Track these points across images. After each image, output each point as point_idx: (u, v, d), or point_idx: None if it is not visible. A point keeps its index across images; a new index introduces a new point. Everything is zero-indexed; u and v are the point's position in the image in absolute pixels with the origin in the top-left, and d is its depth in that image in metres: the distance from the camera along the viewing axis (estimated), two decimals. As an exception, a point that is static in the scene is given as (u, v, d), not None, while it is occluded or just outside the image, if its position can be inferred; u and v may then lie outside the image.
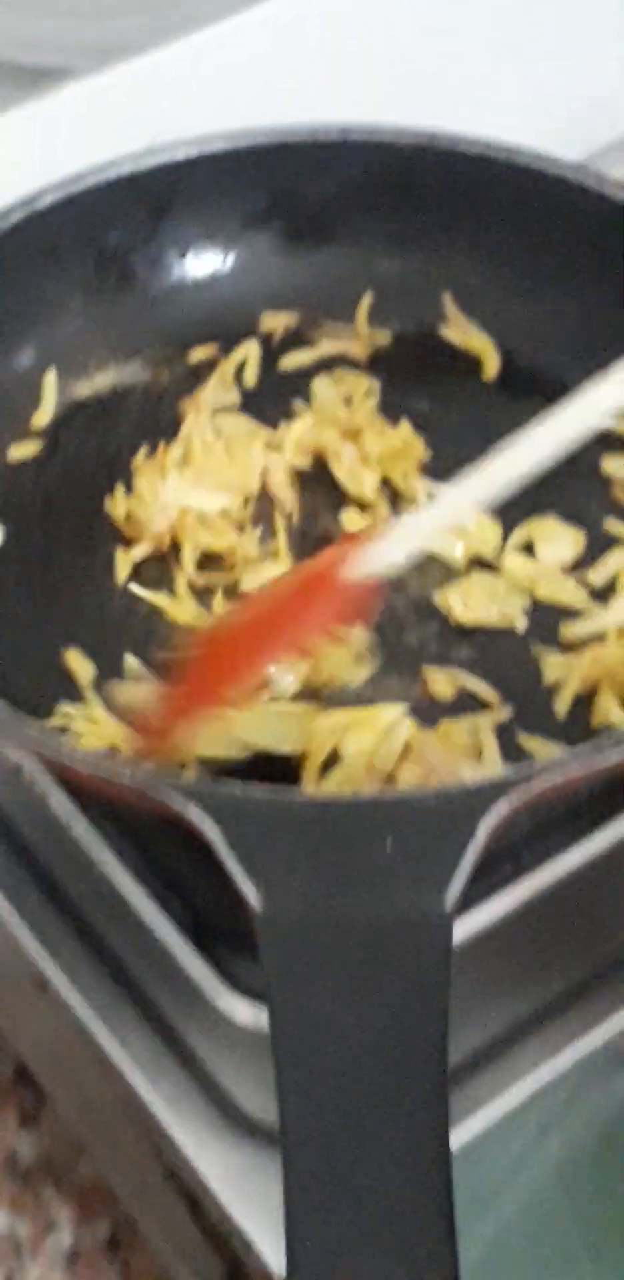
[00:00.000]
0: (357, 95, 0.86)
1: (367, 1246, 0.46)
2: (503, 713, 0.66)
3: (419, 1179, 0.47)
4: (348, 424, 0.76)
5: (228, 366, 0.80)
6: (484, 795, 0.54)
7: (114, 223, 0.81)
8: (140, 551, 0.73)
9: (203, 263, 0.82)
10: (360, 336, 0.81)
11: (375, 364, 0.80)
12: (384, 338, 0.81)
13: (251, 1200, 0.56)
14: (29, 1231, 0.72)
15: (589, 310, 0.78)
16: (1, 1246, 0.71)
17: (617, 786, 0.64)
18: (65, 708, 0.67)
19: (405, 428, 0.77)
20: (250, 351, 0.80)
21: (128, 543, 0.73)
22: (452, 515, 0.68)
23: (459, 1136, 0.57)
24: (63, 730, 0.66)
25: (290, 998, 0.50)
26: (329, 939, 0.51)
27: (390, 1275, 0.45)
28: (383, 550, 0.63)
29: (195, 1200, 0.59)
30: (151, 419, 0.79)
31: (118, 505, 0.74)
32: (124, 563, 0.73)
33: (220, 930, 0.62)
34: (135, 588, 0.72)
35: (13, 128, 0.82)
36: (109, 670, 0.69)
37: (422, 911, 0.51)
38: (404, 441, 0.76)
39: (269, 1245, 0.55)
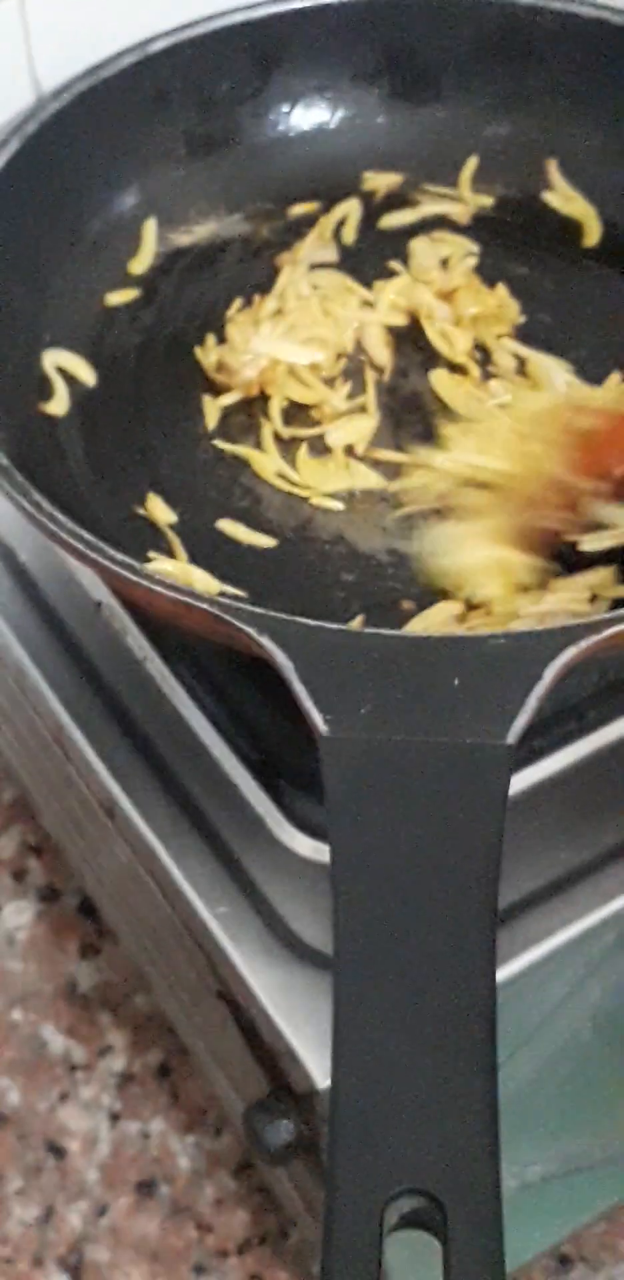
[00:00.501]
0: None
1: (410, 1061, 0.46)
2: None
3: (465, 1002, 0.47)
4: (443, 285, 0.76)
5: (328, 223, 0.79)
6: (554, 640, 0.54)
7: (223, 72, 0.81)
8: (229, 400, 0.73)
9: (309, 117, 0.82)
10: (463, 199, 0.80)
11: (476, 227, 0.79)
12: (486, 202, 0.81)
13: (301, 1018, 0.57)
14: (83, 1055, 0.73)
15: None
16: (56, 1068, 0.73)
17: None
18: (152, 554, 0.67)
19: (501, 291, 0.76)
20: (351, 210, 0.80)
21: (217, 391, 0.73)
22: None
23: (506, 971, 0.57)
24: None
25: (350, 819, 0.51)
26: (391, 763, 0.52)
27: (430, 1092, 0.46)
28: None
29: (247, 1019, 0.59)
30: (248, 272, 0.78)
31: (209, 353, 0.74)
32: (212, 411, 0.73)
33: (285, 768, 0.63)
34: (220, 443, 0.72)
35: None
36: (191, 517, 0.69)
37: (483, 742, 0.52)
38: (499, 304, 0.75)
39: (315, 1061, 0.56)
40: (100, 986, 0.76)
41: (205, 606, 0.57)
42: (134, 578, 0.59)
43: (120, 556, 0.59)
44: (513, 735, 0.52)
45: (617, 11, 0.78)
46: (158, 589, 0.58)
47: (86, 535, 0.60)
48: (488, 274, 0.77)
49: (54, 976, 0.76)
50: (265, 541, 0.68)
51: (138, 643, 0.68)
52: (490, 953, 0.47)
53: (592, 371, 0.73)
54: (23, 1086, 0.74)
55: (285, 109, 0.82)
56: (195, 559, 0.67)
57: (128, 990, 0.76)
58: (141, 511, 0.69)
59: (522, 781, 0.62)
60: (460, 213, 0.80)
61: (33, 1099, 0.73)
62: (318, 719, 0.53)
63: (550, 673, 0.53)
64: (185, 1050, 0.73)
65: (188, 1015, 0.69)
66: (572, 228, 0.79)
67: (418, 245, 0.78)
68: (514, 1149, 0.62)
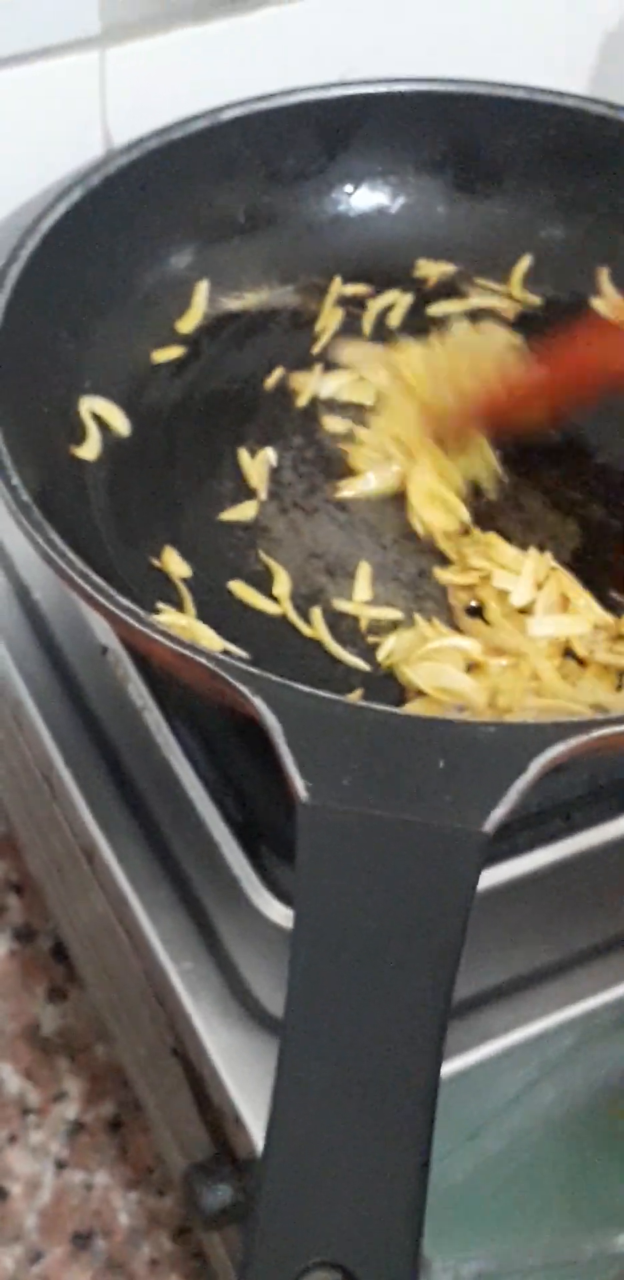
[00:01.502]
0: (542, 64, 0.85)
1: (344, 1135, 0.45)
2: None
3: (406, 1086, 0.46)
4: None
5: (376, 306, 0.80)
6: (542, 735, 0.54)
7: (292, 148, 0.81)
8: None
9: (370, 200, 0.82)
10: (512, 296, 0.81)
11: (522, 324, 0.80)
12: (535, 301, 0.81)
13: (251, 1082, 0.56)
14: (38, 1099, 0.73)
15: None
16: (9, 1108, 0.72)
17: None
18: (162, 605, 0.67)
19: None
20: (401, 298, 0.80)
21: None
22: None
23: (461, 1062, 0.57)
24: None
25: (317, 888, 0.50)
26: (364, 837, 0.51)
27: (360, 1169, 0.45)
28: None
29: (198, 1078, 0.59)
30: (294, 343, 0.79)
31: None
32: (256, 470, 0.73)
33: (269, 833, 0.63)
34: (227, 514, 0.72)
35: (209, 39, 0.83)
36: (206, 575, 0.69)
37: (458, 828, 0.51)
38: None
39: (260, 1127, 0.55)
40: (63, 1031, 0.75)
41: (202, 661, 0.57)
42: (136, 624, 0.59)
43: (125, 603, 0.60)
44: (490, 824, 0.51)
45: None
46: (158, 638, 0.58)
47: (95, 578, 0.60)
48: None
49: (19, 1016, 0.76)
50: (274, 608, 0.68)
51: (138, 691, 0.68)
52: (438, 1041, 0.47)
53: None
54: (-27, 1123, 0.73)
55: (348, 189, 0.82)
56: (204, 616, 0.67)
57: (89, 1039, 0.75)
58: (157, 564, 0.69)
59: (502, 874, 0.62)
60: (508, 308, 0.80)
61: (-19, 1137, 0.73)
62: (299, 785, 0.53)
63: (535, 766, 0.53)
64: (139, 1105, 0.72)
65: (143, 1069, 0.69)
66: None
67: (459, 327, 0.78)
68: (452, 1242, 0.60)
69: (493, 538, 0.69)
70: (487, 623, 0.67)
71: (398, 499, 0.73)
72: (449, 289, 0.81)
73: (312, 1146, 0.45)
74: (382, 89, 0.81)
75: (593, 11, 0.88)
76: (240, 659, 0.65)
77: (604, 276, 0.80)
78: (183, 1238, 0.71)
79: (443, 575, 0.69)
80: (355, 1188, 0.44)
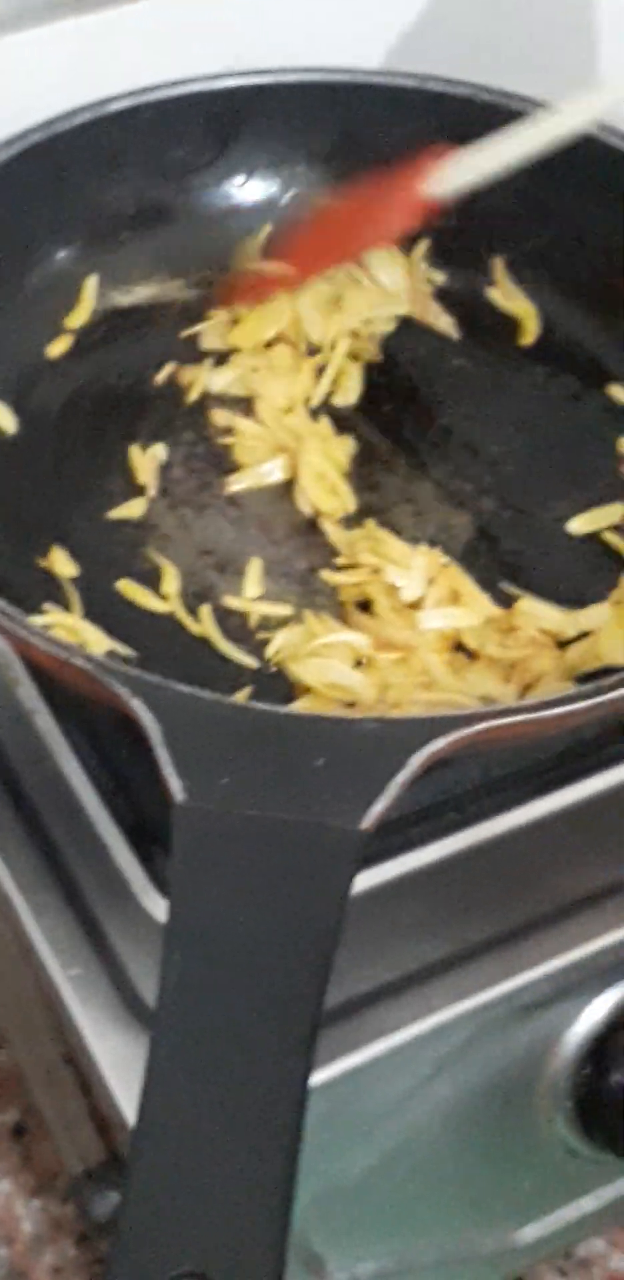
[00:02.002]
0: (438, 53, 0.85)
1: (211, 1141, 0.45)
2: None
3: (274, 1090, 0.46)
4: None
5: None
6: (422, 729, 0.53)
7: (180, 140, 0.80)
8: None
9: (261, 191, 0.82)
10: (414, 279, 0.80)
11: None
12: (438, 279, 0.81)
13: (138, 1088, 0.55)
14: None
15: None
16: None
17: (570, 752, 0.64)
18: (48, 606, 0.66)
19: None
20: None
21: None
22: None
23: (351, 1061, 0.56)
24: (46, 628, 0.65)
25: (190, 889, 0.50)
26: (239, 837, 0.51)
27: (227, 1175, 0.44)
28: (450, 175, 0.73)
29: (89, 1086, 0.58)
30: (185, 339, 0.78)
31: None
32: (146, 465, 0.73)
33: (160, 835, 0.61)
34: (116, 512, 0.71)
35: (94, 30, 0.82)
36: (94, 574, 0.68)
37: (335, 825, 0.51)
38: None
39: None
40: (-42, 1040, 0.75)
41: (79, 663, 0.56)
42: (11, 625, 0.58)
43: (1, 603, 0.59)
44: (368, 821, 0.51)
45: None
46: (34, 640, 0.58)
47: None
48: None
49: None
50: (163, 606, 0.67)
51: (28, 694, 0.67)
52: (309, 1045, 0.46)
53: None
54: None
55: (239, 181, 0.82)
56: (92, 616, 0.66)
57: (-9, 1046, 0.75)
58: (44, 564, 0.68)
59: (395, 869, 0.61)
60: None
61: None
62: (175, 786, 0.52)
63: (415, 761, 0.52)
64: (41, 1111, 0.72)
65: (39, 1076, 0.68)
66: (510, 325, 0.79)
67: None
68: (347, 1243, 0.60)
69: (382, 533, 0.69)
70: (376, 617, 0.66)
71: (288, 493, 0.72)
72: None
73: (178, 1155, 0.45)
74: (270, 79, 0.80)
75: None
76: (127, 659, 0.64)
77: (498, 265, 0.80)
78: (86, 1244, 0.70)
79: (332, 578, 0.69)
80: (221, 1197, 0.43)
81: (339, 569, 0.69)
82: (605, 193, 0.78)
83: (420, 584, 0.67)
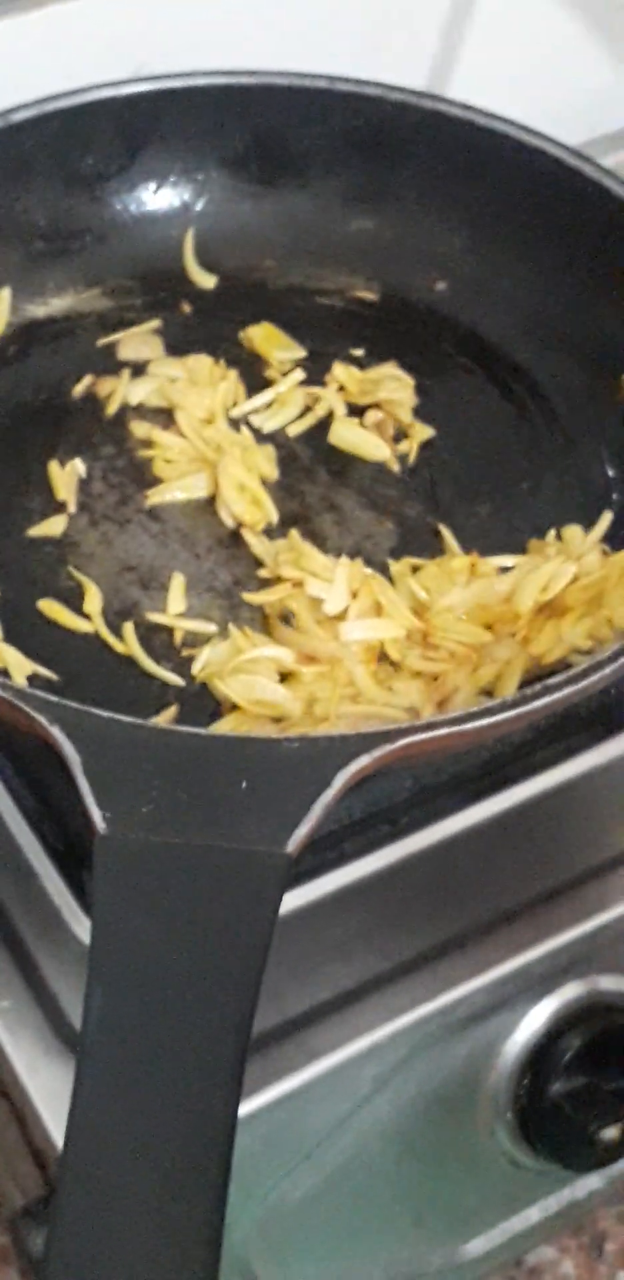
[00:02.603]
0: (351, 54, 0.84)
1: (135, 1179, 0.44)
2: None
3: (200, 1124, 0.45)
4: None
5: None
6: (346, 746, 0.53)
7: (89, 148, 0.80)
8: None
9: (174, 198, 0.81)
10: (346, 294, 0.80)
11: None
12: (372, 297, 0.80)
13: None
14: None
15: (551, 292, 0.77)
16: None
17: (504, 758, 0.64)
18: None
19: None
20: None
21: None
22: None
23: (290, 1083, 0.56)
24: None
25: (113, 923, 0.49)
26: (163, 866, 0.50)
27: (151, 1214, 0.44)
28: None
29: (23, 1118, 0.57)
30: (102, 350, 0.77)
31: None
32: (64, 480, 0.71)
33: (88, 860, 0.61)
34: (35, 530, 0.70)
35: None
36: (13, 595, 0.67)
37: (260, 850, 0.50)
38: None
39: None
40: None
41: (-3, 693, 0.55)
42: None
43: None
44: (293, 844, 0.50)
45: (482, 112, 0.78)
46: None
47: None
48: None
49: None
50: (85, 625, 0.66)
51: (-50, 722, 0.66)
52: (237, 1072, 0.45)
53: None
54: None
55: (151, 188, 0.81)
56: (12, 637, 0.65)
57: None
58: (-32, 581, 0.67)
59: (328, 884, 0.60)
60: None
61: None
62: (96, 816, 0.51)
63: (340, 780, 0.52)
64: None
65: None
66: (432, 325, 0.79)
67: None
68: (289, 1266, 0.60)
69: (304, 546, 0.68)
70: (299, 630, 0.65)
71: (211, 504, 0.71)
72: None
73: (105, 1191, 0.44)
74: (177, 84, 0.79)
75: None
76: (49, 682, 0.63)
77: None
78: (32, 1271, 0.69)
79: (254, 599, 0.68)
80: (150, 1231, 0.42)
81: (262, 583, 0.68)
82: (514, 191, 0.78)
83: (343, 597, 0.66)
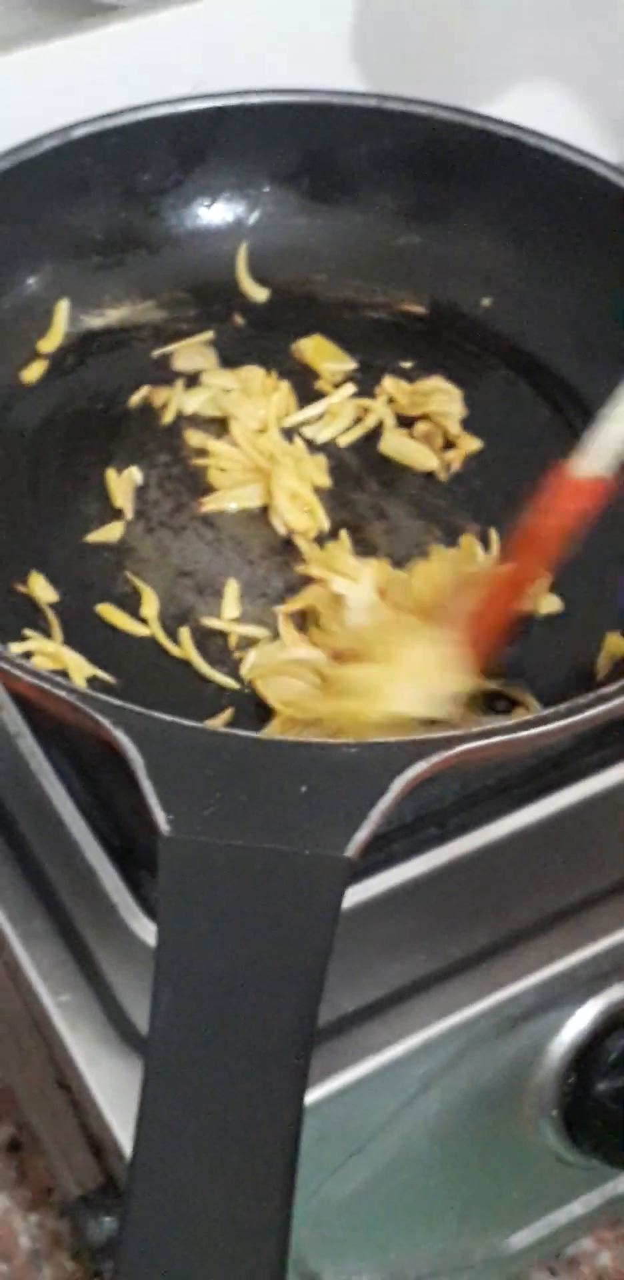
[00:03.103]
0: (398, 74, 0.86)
1: (203, 1177, 0.46)
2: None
3: (267, 1123, 0.46)
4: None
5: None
6: (403, 753, 0.54)
7: (146, 164, 0.81)
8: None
9: (228, 213, 0.83)
10: (393, 308, 0.81)
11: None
12: (419, 310, 0.82)
13: (132, 1114, 0.56)
14: None
15: (596, 306, 0.78)
16: None
17: (551, 763, 0.65)
18: (29, 632, 0.67)
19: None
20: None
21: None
22: None
23: (341, 1080, 0.57)
24: (27, 655, 0.66)
25: (178, 922, 0.50)
26: (226, 868, 0.51)
27: (220, 1211, 0.45)
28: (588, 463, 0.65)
29: (82, 1109, 0.59)
30: (157, 360, 0.79)
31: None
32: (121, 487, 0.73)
33: (147, 858, 0.62)
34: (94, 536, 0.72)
35: (57, 57, 0.83)
36: (73, 599, 0.69)
37: (321, 853, 0.51)
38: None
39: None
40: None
41: (61, 694, 0.57)
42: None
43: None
44: (352, 849, 0.52)
45: (530, 131, 0.79)
46: (14, 671, 0.58)
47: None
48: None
49: None
50: (142, 630, 0.68)
51: (12, 718, 0.67)
52: (301, 1074, 0.47)
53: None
54: None
55: (205, 203, 0.83)
56: (72, 641, 0.67)
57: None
58: (23, 589, 0.69)
59: (378, 885, 0.62)
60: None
61: None
62: (160, 818, 0.53)
63: (398, 786, 0.53)
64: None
65: (33, 1098, 0.69)
66: (479, 339, 0.80)
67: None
68: (340, 1258, 0.61)
69: (335, 545, 0.70)
70: (323, 630, 0.67)
71: (264, 512, 0.73)
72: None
73: (175, 1189, 0.45)
74: (233, 101, 0.81)
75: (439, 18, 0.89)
76: (108, 685, 0.65)
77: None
78: (84, 1258, 0.71)
79: (285, 608, 0.69)
80: (219, 1230, 0.44)
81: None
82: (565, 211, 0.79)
83: (368, 595, 0.68)
